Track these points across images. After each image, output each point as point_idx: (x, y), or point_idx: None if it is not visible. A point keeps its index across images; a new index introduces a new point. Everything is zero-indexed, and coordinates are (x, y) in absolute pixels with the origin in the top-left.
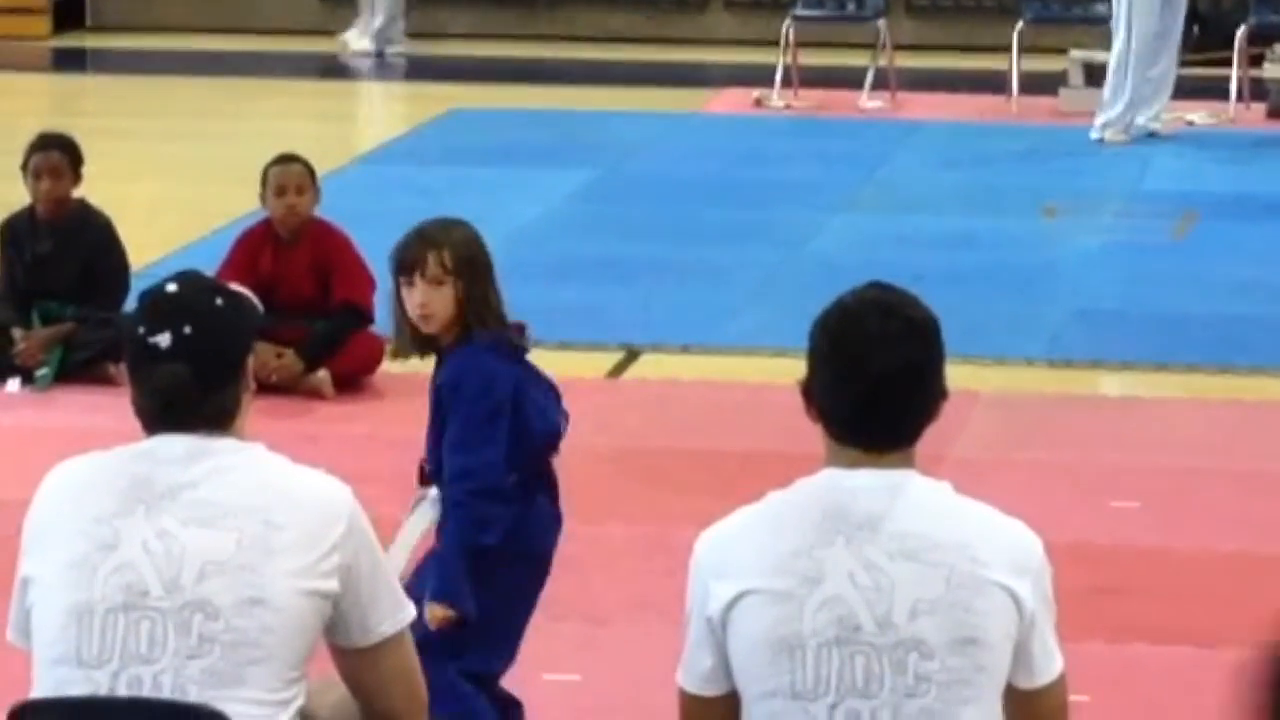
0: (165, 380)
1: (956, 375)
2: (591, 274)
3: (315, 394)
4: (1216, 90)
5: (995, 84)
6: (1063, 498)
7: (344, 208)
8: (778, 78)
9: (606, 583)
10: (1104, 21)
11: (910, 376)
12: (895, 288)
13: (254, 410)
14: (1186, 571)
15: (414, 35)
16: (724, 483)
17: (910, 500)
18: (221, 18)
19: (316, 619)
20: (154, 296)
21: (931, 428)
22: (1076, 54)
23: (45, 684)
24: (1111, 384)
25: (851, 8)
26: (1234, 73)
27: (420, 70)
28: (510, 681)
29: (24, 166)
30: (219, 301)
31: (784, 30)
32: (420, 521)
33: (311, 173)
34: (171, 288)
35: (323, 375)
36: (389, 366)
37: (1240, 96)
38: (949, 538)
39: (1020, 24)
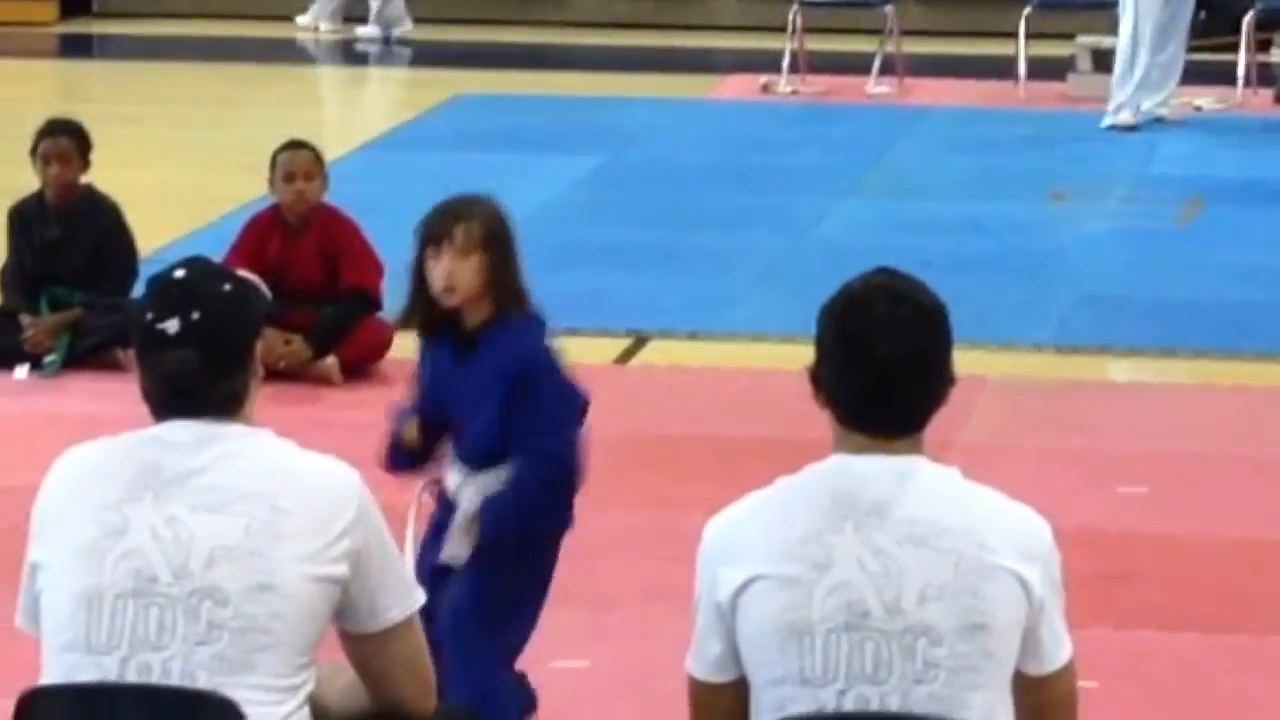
0: (173, 366)
1: (964, 361)
2: (598, 260)
3: (323, 380)
4: (1224, 75)
5: (1003, 69)
6: (1070, 483)
7: (351, 193)
8: (785, 63)
9: (614, 569)
10: (1112, 6)
11: (918, 362)
12: (903, 273)
13: (262, 396)
14: (1194, 557)
15: (420, 20)
16: (732, 469)
17: (919, 486)
18: (228, 4)
19: (325, 604)
20: (162, 282)
21: (939, 413)
22: (1084, 39)
23: (54, 670)
24: (1119, 370)
25: None
26: (1241, 58)
27: (426, 56)
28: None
29: (33, 152)
30: (227, 287)
31: (791, 15)
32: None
33: (320, 159)
34: (180, 274)
35: (331, 361)
36: (397, 352)
37: (1248, 82)
38: (957, 523)
39: (1028, 9)
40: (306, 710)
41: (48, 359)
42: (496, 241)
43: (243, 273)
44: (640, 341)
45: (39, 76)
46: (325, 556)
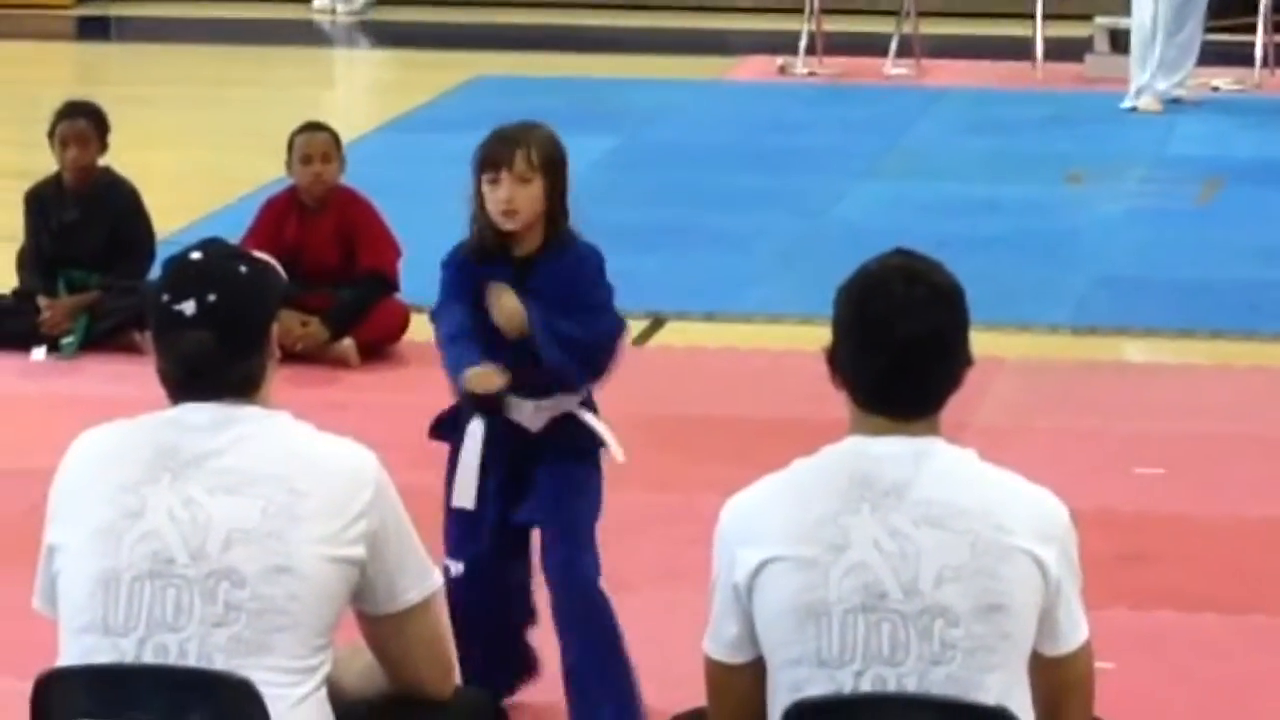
0: (190, 348)
1: (981, 342)
2: (615, 241)
3: (340, 362)
4: (1241, 56)
5: (1020, 50)
6: (1087, 464)
7: (368, 175)
8: (802, 44)
9: (631, 550)
10: None
11: (935, 343)
12: (920, 254)
13: (279, 378)
14: (1211, 538)
15: (438, 3)
16: (749, 450)
17: (935, 467)
18: None
19: (343, 586)
20: (179, 264)
21: (956, 395)
22: (1101, 20)
23: (71, 652)
24: (1136, 350)
25: None
26: (1259, 38)
27: (444, 38)
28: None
29: (50, 134)
30: (243, 269)
31: None
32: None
33: (337, 141)
34: (196, 255)
35: (348, 343)
36: (414, 334)
37: (1265, 62)
38: (974, 505)
39: None
40: (323, 692)
41: (65, 341)
42: (554, 167)
43: (259, 254)
44: (657, 323)
45: (56, 59)
46: (342, 538)
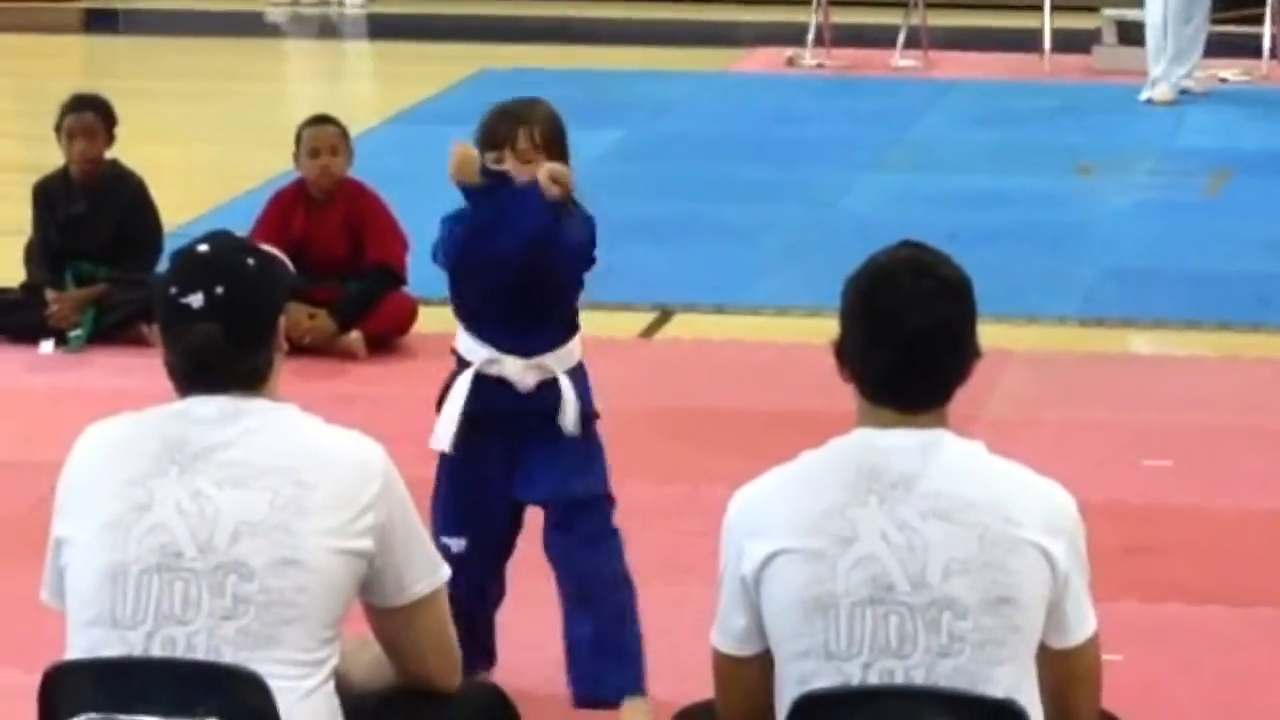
0: (198, 341)
1: (989, 334)
2: (623, 234)
3: (348, 355)
4: (1249, 47)
5: (1028, 42)
6: (1095, 457)
7: (376, 168)
8: (810, 36)
9: (638, 542)
10: None
11: (943, 336)
12: (928, 247)
13: (287, 371)
14: (1219, 530)
15: None
16: (756, 442)
17: (943, 460)
18: None
19: (350, 578)
20: (186, 257)
21: (964, 387)
22: (1109, 12)
23: (79, 645)
24: (1144, 342)
25: None
26: (1267, 29)
27: (451, 30)
28: (538, 642)
29: (58, 127)
30: (251, 262)
31: None
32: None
33: (345, 134)
34: (203, 248)
35: (355, 336)
36: (422, 327)
37: (1274, 53)
38: (982, 497)
39: None
40: (331, 685)
41: (73, 334)
42: (556, 144)
43: (267, 247)
44: (665, 315)
45: (64, 52)
46: (350, 531)
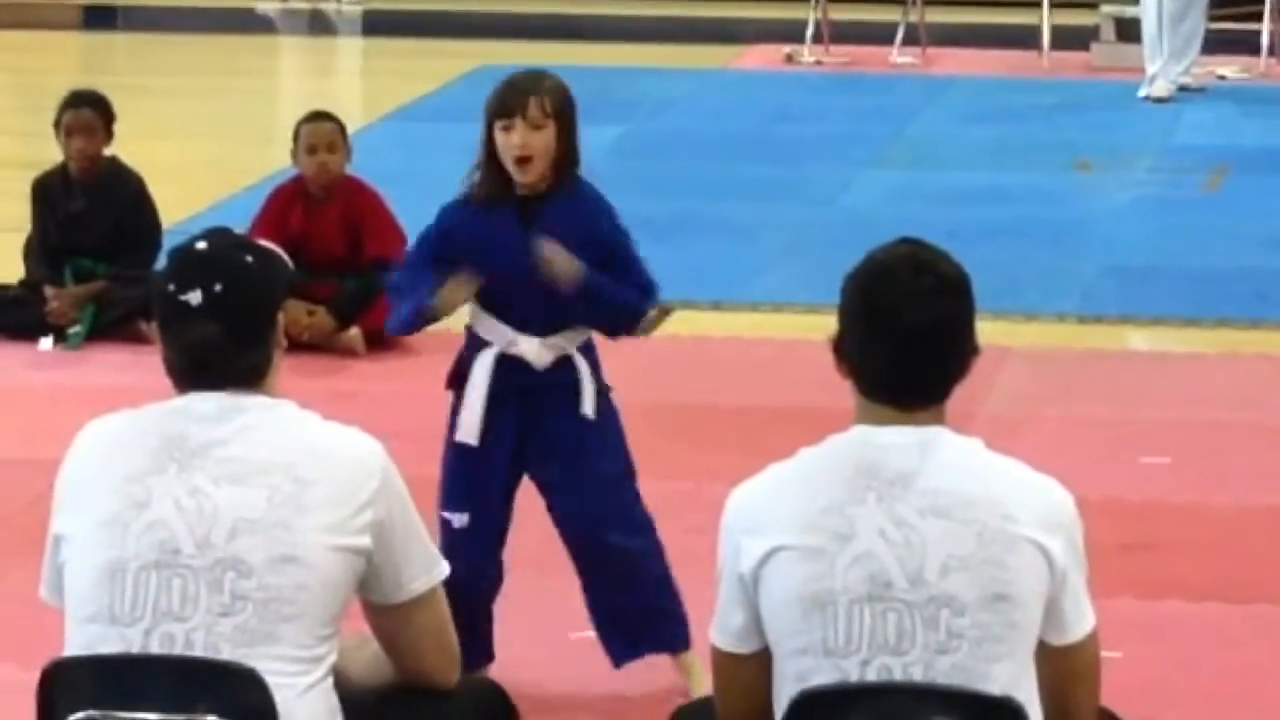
0: (196, 338)
1: (988, 331)
2: None
3: (347, 352)
4: (1248, 44)
5: (1026, 39)
6: (1094, 454)
7: (375, 165)
8: (808, 33)
9: None
10: None
11: (942, 332)
12: (926, 243)
13: (286, 368)
14: (1218, 527)
15: None
16: (755, 439)
17: (942, 457)
18: None
19: (349, 575)
20: (184, 254)
21: (963, 384)
22: (1108, 9)
23: (77, 642)
24: (1142, 339)
25: None
26: (1265, 26)
27: (449, 27)
28: (538, 640)
29: (56, 124)
30: (249, 259)
31: None
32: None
33: (343, 130)
34: (202, 245)
35: (354, 333)
36: None
37: (1271, 50)
38: (980, 494)
39: None
40: (330, 681)
41: (72, 331)
42: (565, 114)
43: (265, 244)
44: (664, 312)
45: (62, 48)
46: (349, 528)
